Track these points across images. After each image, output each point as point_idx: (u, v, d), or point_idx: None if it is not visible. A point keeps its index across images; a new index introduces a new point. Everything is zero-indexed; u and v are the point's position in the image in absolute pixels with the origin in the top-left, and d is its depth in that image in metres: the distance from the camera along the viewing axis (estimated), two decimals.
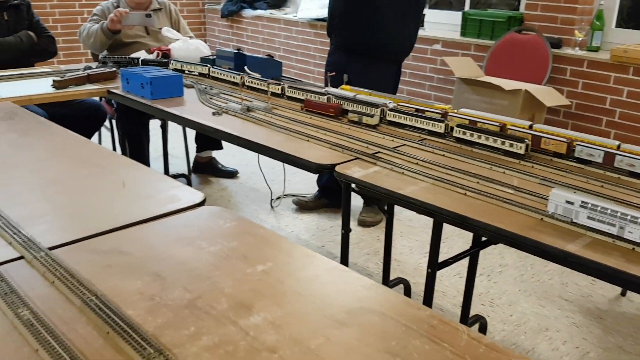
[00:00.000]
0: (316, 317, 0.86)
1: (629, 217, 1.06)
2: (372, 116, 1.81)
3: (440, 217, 1.29)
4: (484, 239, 1.66)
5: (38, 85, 2.33)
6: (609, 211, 1.08)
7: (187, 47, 2.99)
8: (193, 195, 1.28)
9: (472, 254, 1.76)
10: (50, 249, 1.01)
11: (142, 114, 3.13)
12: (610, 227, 1.08)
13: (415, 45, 2.87)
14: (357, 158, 1.55)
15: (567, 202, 1.14)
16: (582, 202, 1.12)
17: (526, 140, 1.53)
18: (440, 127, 1.71)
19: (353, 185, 1.53)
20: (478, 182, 1.37)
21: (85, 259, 0.99)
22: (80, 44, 4.83)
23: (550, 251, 1.09)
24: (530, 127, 1.61)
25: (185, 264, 1.00)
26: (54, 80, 2.29)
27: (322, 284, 0.96)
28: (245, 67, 2.58)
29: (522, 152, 1.53)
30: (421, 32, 3.92)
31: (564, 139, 1.52)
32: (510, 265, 2.55)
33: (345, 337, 0.81)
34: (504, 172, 1.45)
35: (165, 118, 2.10)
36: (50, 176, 1.39)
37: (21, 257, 0.99)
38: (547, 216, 1.18)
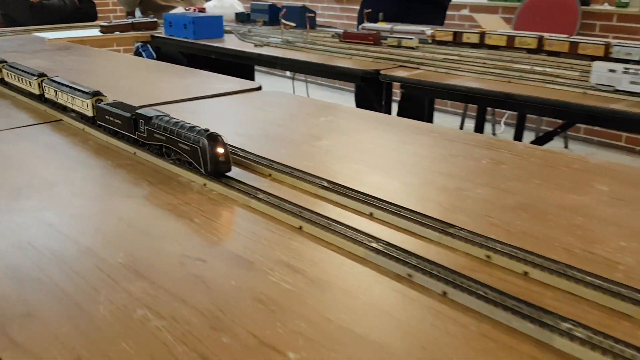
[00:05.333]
0: (378, 143, 0.93)
1: None
2: (411, 38, 1.88)
3: (485, 101, 1.35)
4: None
5: (87, 32, 2.45)
6: None
7: (222, 4, 3.08)
8: (251, 83, 1.37)
9: None
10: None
11: None
12: None
13: None
14: (400, 66, 1.62)
15: (610, 70, 1.19)
16: (625, 68, 1.17)
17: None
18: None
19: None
20: (520, 75, 1.43)
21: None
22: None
23: (596, 111, 1.14)
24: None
25: (261, 120, 1.08)
26: (101, 26, 2.40)
27: (381, 130, 1.03)
28: (281, 18, 2.66)
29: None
30: None
31: (601, 42, 1.57)
32: None
33: (410, 148, 0.88)
34: (543, 69, 1.50)
35: (209, 54, 2.18)
36: (135, 75, 1.49)
37: None
38: (590, 88, 1.23)
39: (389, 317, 0.45)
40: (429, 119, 2.45)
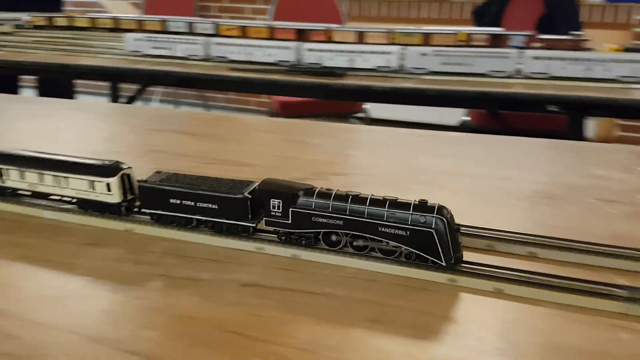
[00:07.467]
0: None
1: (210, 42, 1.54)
2: (3, 24, 2.03)
3: (47, 72, 1.62)
4: None
5: None
6: (165, 39, 1.55)
7: None
8: None
9: None
10: None
11: None
12: (168, 50, 1.56)
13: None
14: None
15: (136, 39, 1.58)
16: (146, 37, 1.57)
17: None
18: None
19: None
20: (88, 49, 1.73)
21: None
22: None
23: (123, 71, 1.51)
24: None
25: None
26: None
27: None
28: None
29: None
30: None
31: (158, 19, 1.98)
32: None
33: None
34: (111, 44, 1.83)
35: None
36: None
37: None
38: (127, 55, 1.60)
39: None
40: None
